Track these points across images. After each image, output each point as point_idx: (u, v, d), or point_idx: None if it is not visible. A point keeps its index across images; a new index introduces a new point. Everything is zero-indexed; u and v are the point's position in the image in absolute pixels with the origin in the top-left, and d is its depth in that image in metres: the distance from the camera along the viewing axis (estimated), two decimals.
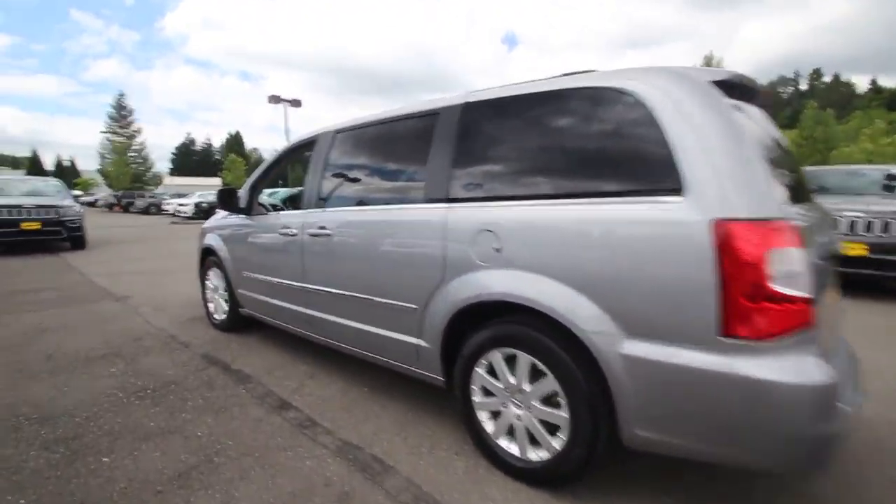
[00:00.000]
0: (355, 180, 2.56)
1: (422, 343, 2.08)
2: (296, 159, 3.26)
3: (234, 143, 75.98)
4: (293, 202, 3.92)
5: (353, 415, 2.35)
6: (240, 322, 3.64)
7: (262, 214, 3.26)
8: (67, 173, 68.79)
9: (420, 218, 2.05)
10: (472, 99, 2.02)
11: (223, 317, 3.71)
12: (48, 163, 79.66)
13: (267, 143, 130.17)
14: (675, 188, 1.42)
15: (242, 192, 3.33)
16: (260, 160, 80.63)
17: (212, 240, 3.69)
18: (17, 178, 11.24)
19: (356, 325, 2.40)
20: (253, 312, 3.39)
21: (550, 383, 1.67)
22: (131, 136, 53.39)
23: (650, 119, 1.49)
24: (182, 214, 22.27)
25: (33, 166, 71.91)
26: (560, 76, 1.85)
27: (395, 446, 2.06)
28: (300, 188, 4.16)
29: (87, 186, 57.35)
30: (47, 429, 2.20)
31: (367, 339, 2.36)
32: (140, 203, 28.71)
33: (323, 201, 2.64)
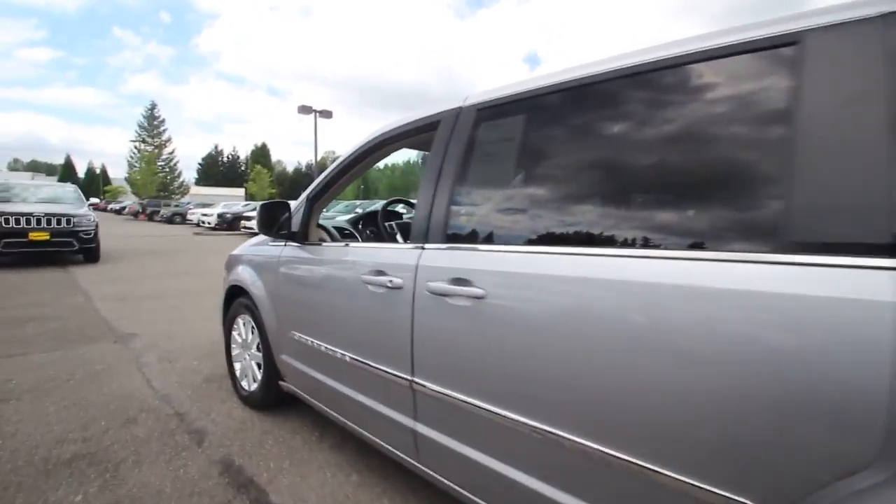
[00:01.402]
0: (546, 197, 1.33)
1: None
2: (381, 158, 2.06)
3: (260, 154, 76.65)
4: (369, 225, 2.74)
5: None
6: (278, 398, 2.46)
7: (323, 244, 2.09)
8: (98, 181, 70.16)
9: (808, 293, 0.80)
10: None
11: (254, 388, 2.53)
12: (80, 170, 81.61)
13: (292, 156, 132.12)
14: None
15: (296, 210, 2.18)
16: (284, 172, 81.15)
17: (245, 275, 2.53)
18: (33, 182, 10.49)
19: (554, 496, 1.16)
20: (301, 393, 2.20)
21: None
22: (161, 146, 54.14)
23: None
24: (206, 225, 21.71)
25: (66, 173, 73.76)
26: None
27: None
28: (381, 202, 2.99)
29: (116, 194, 58.22)
30: None
31: None
32: (165, 212, 28.42)
33: (461, 232, 1.45)
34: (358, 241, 2.50)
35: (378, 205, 2.99)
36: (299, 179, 76.05)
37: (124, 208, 39.18)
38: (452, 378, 1.37)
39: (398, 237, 2.51)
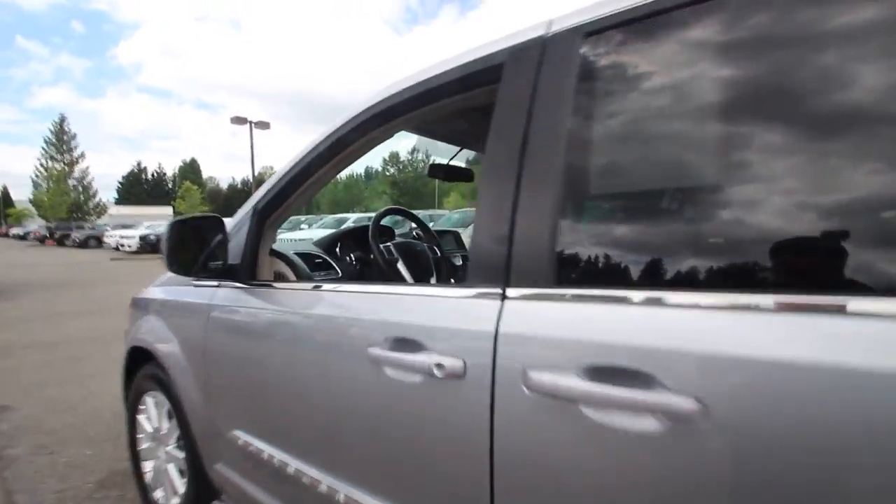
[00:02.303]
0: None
1: None
2: (374, 144, 1.29)
3: (189, 170, 71.67)
4: (352, 250, 1.90)
5: None
6: None
7: (284, 286, 1.29)
8: None
9: None
10: None
11: None
12: None
13: (225, 171, 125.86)
14: None
15: (235, 229, 1.36)
16: (217, 189, 76.40)
17: (153, 330, 1.64)
18: None
19: None
20: None
21: None
22: (72, 163, 49.14)
23: None
24: (126, 248, 19.41)
25: None
26: None
27: None
28: (367, 215, 2.16)
29: (20, 218, 51.97)
30: None
31: None
32: (77, 235, 25.48)
33: (600, 263, 0.73)
34: (338, 275, 1.69)
35: (327, 220, 2.12)
36: (234, 196, 71.75)
37: (29, 233, 35.04)
38: None
39: (400, 267, 1.68)
